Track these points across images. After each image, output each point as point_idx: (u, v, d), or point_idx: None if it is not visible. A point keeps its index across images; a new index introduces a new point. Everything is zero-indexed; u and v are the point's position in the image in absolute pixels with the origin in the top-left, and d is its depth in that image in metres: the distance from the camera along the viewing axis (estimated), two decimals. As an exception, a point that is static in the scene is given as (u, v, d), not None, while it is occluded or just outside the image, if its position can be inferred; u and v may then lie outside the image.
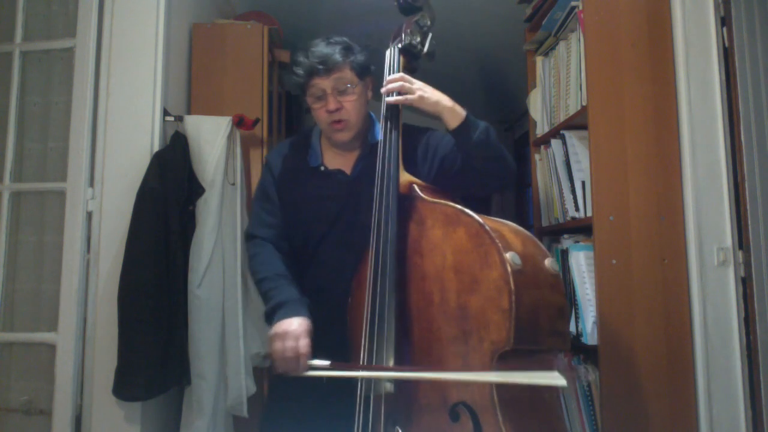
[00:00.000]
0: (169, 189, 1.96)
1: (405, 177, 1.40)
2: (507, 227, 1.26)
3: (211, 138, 2.09)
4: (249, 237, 1.67)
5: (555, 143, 2.14)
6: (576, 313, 1.93)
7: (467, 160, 1.44)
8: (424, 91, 1.44)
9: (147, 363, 1.84)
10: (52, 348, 1.97)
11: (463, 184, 1.47)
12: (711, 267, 1.85)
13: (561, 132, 2.10)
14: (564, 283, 2.02)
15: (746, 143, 1.85)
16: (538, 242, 1.30)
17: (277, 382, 1.63)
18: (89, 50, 2.04)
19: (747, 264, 1.83)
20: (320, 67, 1.48)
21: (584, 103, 1.93)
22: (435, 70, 4.62)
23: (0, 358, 2.03)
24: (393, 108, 1.47)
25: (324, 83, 1.50)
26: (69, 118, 2.04)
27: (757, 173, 1.83)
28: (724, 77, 1.91)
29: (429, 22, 1.57)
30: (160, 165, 1.97)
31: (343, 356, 1.39)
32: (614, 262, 1.83)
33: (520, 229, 1.30)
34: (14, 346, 2.04)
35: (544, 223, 2.32)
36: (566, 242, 2.06)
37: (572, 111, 2.04)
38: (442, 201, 1.31)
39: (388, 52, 1.56)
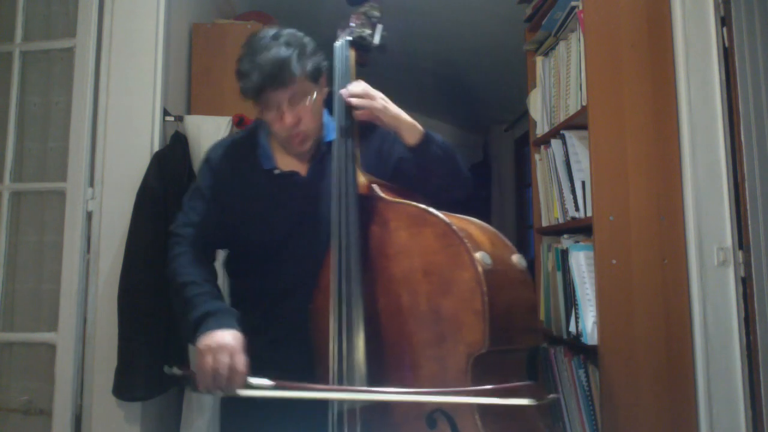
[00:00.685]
0: (169, 189, 1.96)
1: (363, 177, 1.32)
2: (473, 225, 1.23)
3: (211, 138, 2.08)
4: (172, 235, 1.48)
5: (555, 143, 2.14)
6: (576, 313, 1.93)
7: (420, 173, 1.37)
8: (387, 102, 1.35)
9: (147, 363, 1.84)
10: (52, 348, 1.97)
11: (416, 190, 1.38)
12: (711, 267, 1.85)
13: (561, 132, 2.10)
14: (567, 282, 2.03)
15: (746, 143, 1.85)
16: (504, 238, 1.26)
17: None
18: (89, 50, 2.04)
19: (747, 264, 1.83)
20: (273, 80, 1.30)
21: (584, 103, 1.93)
22: (435, 71, 4.63)
23: (0, 358, 2.03)
24: (348, 108, 1.38)
25: (278, 97, 1.33)
26: (69, 118, 2.04)
27: (757, 173, 1.83)
28: (724, 77, 1.91)
29: (378, 13, 1.47)
30: (160, 165, 1.97)
31: (307, 367, 1.29)
32: (614, 262, 1.83)
33: (486, 225, 1.26)
34: (14, 346, 2.04)
35: (544, 223, 2.32)
36: (566, 242, 2.06)
37: (572, 111, 2.04)
38: (405, 201, 1.25)
39: (337, 45, 1.45)
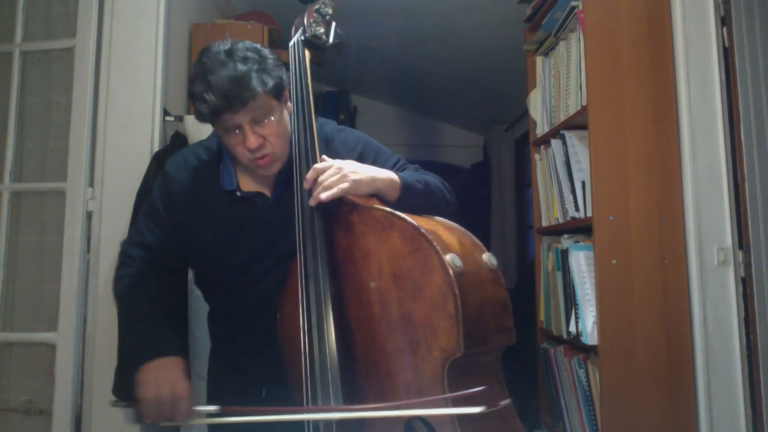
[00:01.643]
0: (169, 189, 1.96)
1: None
2: (441, 225, 1.19)
3: (211, 138, 2.09)
4: (121, 253, 1.39)
5: (555, 143, 2.14)
6: (576, 313, 1.93)
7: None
8: (355, 173, 1.21)
9: (147, 363, 1.83)
10: (52, 348, 1.97)
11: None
12: (711, 267, 1.85)
13: (561, 132, 2.10)
14: (567, 282, 2.03)
15: (746, 143, 1.85)
16: (473, 237, 1.23)
17: (212, 397, 1.45)
18: (89, 50, 2.04)
19: (747, 264, 1.83)
20: (231, 102, 1.18)
21: (584, 103, 1.93)
22: (435, 71, 4.63)
23: (0, 358, 2.03)
24: (305, 104, 1.30)
25: (239, 119, 1.21)
26: (69, 118, 2.04)
27: (757, 173, 1.83)
28: (724, 77, 1.91)
29: (331, 11, 1.41)
30: (160, 165, 1.97)
31: (281, 377, 1.26)
32: (614, 262, 1.83)
33: (454, 225, 1.23)
34: (14, 346, 2.04)
35: (544, 223, 2.32)
36: (566, 242, 2.06)
37: (572, 111, 2.04)
38: (369, 204, 1.20)
39: (291, 44, 1.39)
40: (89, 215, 2.01)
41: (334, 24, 1.42)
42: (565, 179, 2.07)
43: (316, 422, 1.11)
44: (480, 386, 1.08)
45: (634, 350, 1.80)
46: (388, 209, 1.17)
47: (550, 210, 2.25)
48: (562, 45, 2.15)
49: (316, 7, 1.41)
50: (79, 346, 1.95)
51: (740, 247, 1.85)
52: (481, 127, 5.41)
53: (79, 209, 1.99)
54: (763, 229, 1.81)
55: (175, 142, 2.06)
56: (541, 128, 2.36)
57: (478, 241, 1.22)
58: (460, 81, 4.39)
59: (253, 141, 1.23)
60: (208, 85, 1.19)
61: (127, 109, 2.04)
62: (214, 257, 1.36)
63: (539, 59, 2.37)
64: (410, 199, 1.26)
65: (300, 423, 1.12)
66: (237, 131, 1.24)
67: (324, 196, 1.18)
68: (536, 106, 2.42)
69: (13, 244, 2.08)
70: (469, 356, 1.07)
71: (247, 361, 1.38)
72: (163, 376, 1.16)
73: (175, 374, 1.16)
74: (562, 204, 2.10)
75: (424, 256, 1.10)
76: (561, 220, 2.13)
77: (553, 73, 2.24)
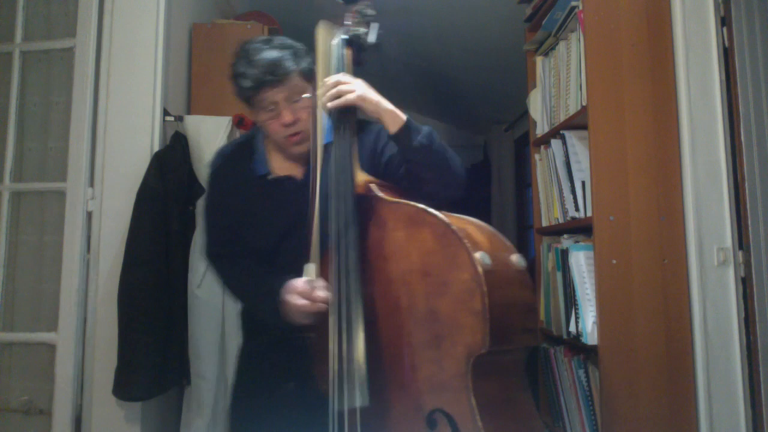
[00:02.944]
0: (169, 189, 1.96)
1: (361, 177, 1.31)
2: (472, 225, 1.21)
3: (211, 138, 2.09)
4: (212, 257, 1.53)
5: (555, 143, 2.14)
6: (576, 313, 1.93)
7: (408, 167, 1.36)
8: (364, 91, 1.32)
9: (147, 363, 1.84)
10: (52, 348, 1.97)
11: (409, 189, 1.36)
12: (711, 267, 1.85)
13: (561, 132, 2.10)
14: (567, 282, 2.03)
15: (746, 143, 1.85)
16: (503, 238, 1.25)
17: (237, 395, 1.53)
18: (89, 50, 2.04)
19: (747, 264, 1.83)
20: (270, 77, 1.33)
21: (584, 103, 1.93)
22: (435, 71, 4.62)
23: (0, 358, 2.03)
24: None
25: (276, 95, 1.36)
26: (69, 118, 2.04)
27: (757, 173, 1.83)
28: (724, 77, 1.91)
29: (373, 12, 1.44)
30: (160, 165, 1.97)
31: (307, 366, 1.31)
32: (614, 262, 1.82)
33: (484, 225, 1.25)
34: (14, 346, 2.04)
35: (544, 223, 2.32)
36: (566, 242, 2.06)
37: (572, 111, 2.04)
38: (403, 201, 1.23)
39: (333, 43, 1.43)
40: (89, 215, 2.01)
41: (375, 25, 1.45)
42: (565, 179, 2.07)
43: (341, 408, 1.16)
44: (502, 384, 1.13)
45: (634, 350, 1.80)
46: (421, 206, 1.19)
47: (550, 210, 2.25)
48: (562, 45, 2.15)
49: (358, 8, 1.45)
50: (79, 346, 1.95)
51: (740, 247, 1.85)
52: (481, 127, 5.41)
53: (79, 209, 1.99)
54: (763, 229, 1.81)
55: (175, 142, 2.06)
56: (541, 128, 2.36)
57: (508, 242, 1.24)
58: (460, 81, 4.39)
59: (287, 116, 1.36)
60: (251, 63, 1.35)
61: (127, 109, 2.04)
62: (252, 239, 1.47)
63: (539, 59, 2.37)
64: (409, 137, 1.32)
65: (325, 414, 1.17)
66: (272, 109, 1.37)
67: (330, 104, 1.30)
68: (536, 106, 2.42)
69: (13, 244, 2.08)
70: (494, 354, 1.08)
71: (277, 352, 1.44)
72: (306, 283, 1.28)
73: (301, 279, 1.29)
74: (562, 204, 2.10)
75: (453, 252, 1.12)
76: (561, 220, 2.13)
77: (553, 73, 2.24)
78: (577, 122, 2.01)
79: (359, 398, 1.14)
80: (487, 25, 3.35)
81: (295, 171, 1.46)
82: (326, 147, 1.40)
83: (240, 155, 1.51)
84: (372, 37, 1.44)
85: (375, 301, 1.22)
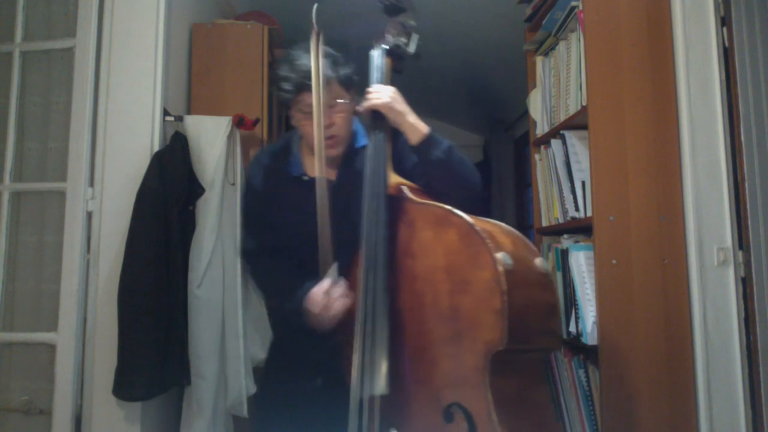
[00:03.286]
0: (169, 189, 1.96)
1: (393, 178, 1.39)
2: (497, 228, 1.26)
3: (211, 138, 2.09)
4: (247, 254, 1.63)
5: (555, 143, 2.14)
6: (576, 313, 1.93)
7: (427, 179, 1.44)
8: (391, 100, 1.42)
9: (147, 363, 1.84)
10: (52, 348, 1.97)
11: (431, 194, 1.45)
12: (711, 267, 1.85)
13: (561, 132, 2.10)
14: (556, 282, 2.03)
15: (746, 143, 1.85)
16: (528, 242, 1.30)
17: (265, 390, 1.62)
18: (89, 50, 2.04)
19: (747, 264, 1.83)
20: (309, 82, 1.43)
21: (584, 103, 1.93)
22: (435, 71, 4.62)
23: (0, 358, 2.03)
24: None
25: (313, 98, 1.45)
26: (69, 118, 2.04)
27: (757, 173, 1.83)
28: (724, 77, 1.91)
29: (413, 23, 1.54)
30: (160, 165, 1.97)
31: (335, 360, 1.40)
32: (614, 262, 1.83)
33: (511, 229, 1.30)
34: (14, 346, 2.04)
35: (544, 223, 2.32)
36: (566, 242, 2.06)
37: (572, 111, 2.04)
38: (432, 202, 1.30)
39: (373, 54, 1.53)
40: (89, 215, 2.01)
41: (415, 36, 1.54)
42: (565, 179, 2.07)
43: (362, 396, 1.23)
44: (519, 383, 1.18)
45: (634, 350, 1.80)
46: (448, 207, 1.25)
47: (550, 210, 2.25)
48: (562, 45, 2.15)
49: (400, 19, 1.54)
50: (79, 346, 1.95)
51: (740, 247, 1.85)
52: (481, 127, 5.41)
53: (79, 209, 1.99)
54: (763, 229, 1.81)
55: (175, 142, 2.06)
56: (541, 128, 2.36)
57: (533, 246, 1.29)
58: (460, 81, 4.39)
59: (324, 119, 1.44)
60: (294, 68, 1.45)
61: (127, 109, 2.04)
62: (287, 237, 1.55)
63: (539, 59, 2.37)
64: (429, 150, 1.41)
65: (347, 408, 1.24)
66: (310, 111, 1.44)
67: (358, 107, 1.44)
68: (536, 106, 2.42)
69: (13, 244, 2.08)
70: (511, 352, 1.13)
71: (306, 348, 1.50)
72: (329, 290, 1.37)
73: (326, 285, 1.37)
74: (562, 204, 2.10)
75: (476, 252, 1.17)
76: (561, 220, 2.13)
77: (553, 73, 2.24)
78: (577, 122, 2.01)
79: (379, 387, 1.21)
80: (487, 25, 3.35)
81: (328, 172, 1.52)
82: (360, 150, 1.52)
83: (276, 158, 1.61)
84: (412, 48, 1.53)
85: (400, 296, 1.28)
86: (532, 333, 1.18)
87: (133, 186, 1.94)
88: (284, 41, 2.84)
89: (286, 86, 1.45)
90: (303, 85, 1.43)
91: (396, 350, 1.25)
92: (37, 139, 2.12)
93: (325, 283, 1.37)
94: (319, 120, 1.42)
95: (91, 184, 2.02)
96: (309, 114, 1.45)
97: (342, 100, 1.48)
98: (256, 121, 2.23)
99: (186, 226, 2.02)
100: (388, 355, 1.23)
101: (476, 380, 1.13)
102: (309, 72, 1.42)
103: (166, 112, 2.11)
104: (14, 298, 2.06)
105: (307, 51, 1.46)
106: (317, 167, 1.41)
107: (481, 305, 1.14)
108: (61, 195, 2.03)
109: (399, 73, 1.53)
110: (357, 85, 1.53)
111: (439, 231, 1.25)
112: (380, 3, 1.55)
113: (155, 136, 2.05)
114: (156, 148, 2.03)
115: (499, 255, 1.14)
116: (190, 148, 2.08)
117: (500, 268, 1.12)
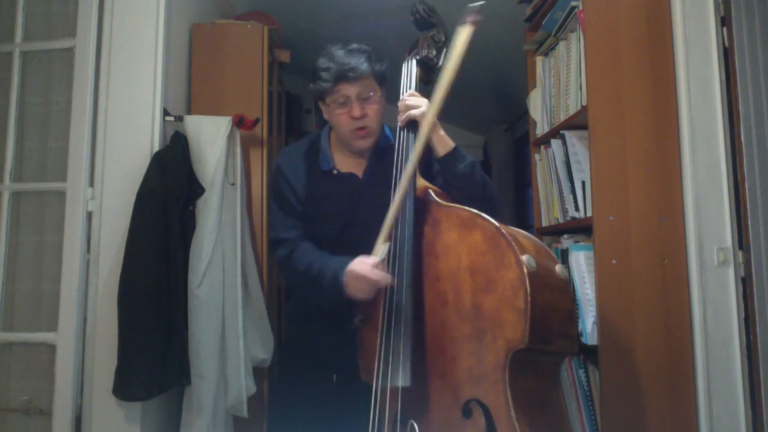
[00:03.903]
0: (169, 189, 1.96)
1: (421, 182, 1.45)
2: (520, 233, 1.30)
3: (211, 138, 2.09)
4: (277, 242, 1.65)
5: (555, 143, 2.14)
6: (576, 313, 1.93)
7: (448, 189, 1.49)
8: (425, 112, 1.48)
9: (147, 363, 1.84)
10: (52, 348, 1.97)
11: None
12: (711, 267, 1.85)
13: (561, 132, 2.10)
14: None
15: (746, 143, 1.85)
16: (548, 249, 1.35)
17: (282, 381, 1.68)
18: (89, 50, 2.04)
19: (747, 264, 1.83)
20: (349, 74, 1.51)
21: (584, 103, 1.93)
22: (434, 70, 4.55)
23: (0, 358, 2.03)
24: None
25: (350, 90, 1.53)
26: (69, 118, 2.04)
27: (757, 173, 1.83)
28: (724, 77, 1.91)
29: (443, 38, 1.63)
30: (160, 165, 1.97)
31: (351, 367, 1.45)
32: (614, 262, 1.83)
33: (532, 236, 1.35)
34: (14, 346, 2.04)
35: (544, 223, 2.32)
36: (566, 242, 2.06)
37: (572, 111, 2.04)
38: (457, 205, 1.35)
39: (404, 65, 1.64)
40: (89, 215, 2.01)
41: (445, 50, 1.62)
42: (565, 179, 2.07)
43: (384, 386, 1.27)
44: (537, 384, 1.21)
45: (634, 350, 1.80)
46: (475, 211, 1.30)
47: (550, 210, 2.25)
48: (562, 45, 2.15)
49: (431, 34, 1.64)
50: (79, 346, 1.95)
51: (740, 247, 1.85)
52: (481, 127, 5.40)
53: (79, 209, 1.99)
54: (763, 229, 1.81)
55: (175, 142, 2.06)
56: (541, 128, 2.36)
57: (553, 254, 1.34)
58: (459, 81, 4.38)
59: (357, 110, 1.52)
60: (333, 60, 1.52)
61: (127, 109, 2.04)
62: (314, 229, 1.61)
63: (539, 59, 2.37)
64: (453, 163, 1.48)
65: (362, 403, 1.30)
66: (344, 102, 1.53)
67: (399, 116, 1.51)
68: (536, 106, 2.42)
69: (13, 244, 2.08)
70: (531, 351, 1.16)
71: (324, 336, 1.57)
72: (367, 263, 1.40)
73: (368, 261, 1.40)
74: (562, 204, 2.10)
75: (501, 253, 1.22)
76: (561, 220, 2.14)
77: (553, 73, 2.24)
78: (577, 122, 2.01)
79: (402, 379, 1.24)
80: (487, 25, 3.35)
81: (356, 168, 1.62)
82: (383, 150, 1.60)
83: (306, 152, 1.68)
84: (441, 61, 1.60)
85: (424, 294, 1.33)
86: (551, 335, 1.21)
87: (133, 186, 1.94)
88: (284, 41, 2.84)
89: (326, 76, 1.52)
90: (341, 76, 1.50)
91: (417, 345, 1.28)
92: (37, 139, 2.12)
93: (372, 258, 1.40)
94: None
95: (91, 184, 2.02)
96: (344, 105, 1.53)
97: (374, 93, 1.55)
98: (256, 121, 2.23)
99: (186, 226, 2.02)
100: (411, 350, 1.27)
101: (496, 377, 1.17)
102: (349, 64, 1.50)
103: (166, 112, 2.11)
104: (14, 298, 2.06)
105: (346, 46, 1.55)
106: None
107: (505, 304, 1.18)
108: (61, 195, 2.03)
109: (427, 84, 1.61)
110: (387, 83, 1.62)
111: (464, 233, 1.29)
112: (412, 17, 1.65)
113: (155, 136, 2.05)
114: (156, 148, 2.03)
115: (524, 257, 1.19)
116: (190, 148, 2.08)
117: (525, 270, 1.17)
